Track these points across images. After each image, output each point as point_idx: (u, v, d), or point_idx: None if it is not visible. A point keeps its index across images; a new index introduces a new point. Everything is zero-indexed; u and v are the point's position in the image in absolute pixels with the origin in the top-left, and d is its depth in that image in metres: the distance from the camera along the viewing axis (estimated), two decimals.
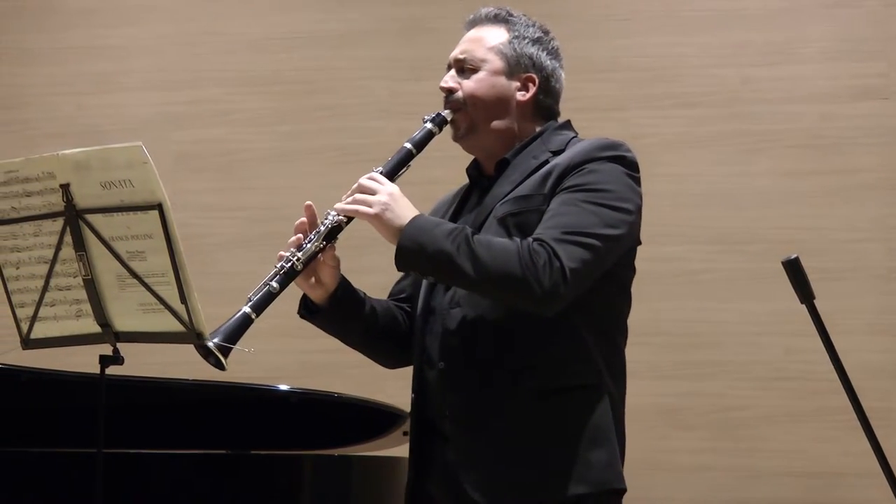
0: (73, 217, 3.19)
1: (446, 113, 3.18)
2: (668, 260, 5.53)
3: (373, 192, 2.99)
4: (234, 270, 6.10)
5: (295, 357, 5.90)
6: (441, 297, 3.11)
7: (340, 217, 3.04)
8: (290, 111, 6.20)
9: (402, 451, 4.52)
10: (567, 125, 3.21)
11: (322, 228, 3.03)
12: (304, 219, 3.12)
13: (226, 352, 2.91)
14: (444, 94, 3.20)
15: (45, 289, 3.29)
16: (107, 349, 3.32)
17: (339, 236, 3.06)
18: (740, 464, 5.47)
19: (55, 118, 6.40)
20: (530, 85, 3.17)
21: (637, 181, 3.03)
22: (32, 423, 4.09)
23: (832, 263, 5.49)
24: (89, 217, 3.18)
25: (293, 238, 3.08)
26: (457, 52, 3.21)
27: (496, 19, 3.23)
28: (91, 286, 3.24)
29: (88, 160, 3.16)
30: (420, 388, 3.13)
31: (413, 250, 2.91)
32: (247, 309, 3.01)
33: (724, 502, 5.47)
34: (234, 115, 6.26)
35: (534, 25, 3.24)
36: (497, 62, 3.16)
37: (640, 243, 3.09)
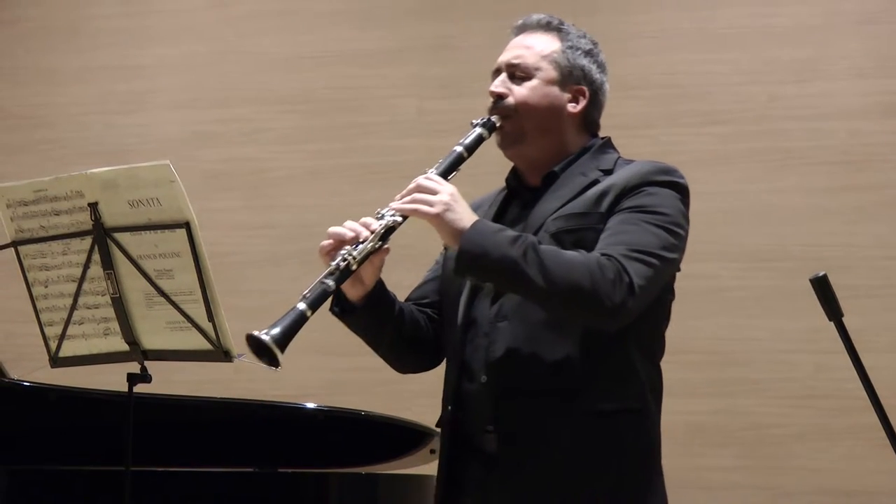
0: (102, 235, 3.20)
1: (495, 118, 3.10)
2: (699, 277, 5.50)
3: (433, 192, 2.88)
4: (262, 289, 6.10)
5: (322, 375, 5.90)
6: (485, 308, 3.01)
7: (397, 217, 2.92)
8: (319, 129, 6.21)
9: (429, 469, 4.52)
10: (610, 143, 3.16)
11: (378, 227, 2.90)
12: (353, 225, 2.97)
13: (282, 347, 2.79)
14: (492, 99, 3.13)
15: (73, 307, 3.30)
16: (135, 367, 3.33)
17: (390, 237, 2.94)
18: (771, 482, 5.44)
19: (84, 137, 6.42)
20: (580, 97, 3.11)
21: (687, 208, 3.00)
22: (61, 441, 4.10)
23: (862, 281, 5.46)
24: (117, 235, 3.19)
25: (339, 230, 2.98)
26: (509, 57, 3.14)
27: (548, 27, 3.16)
28: (119, 304, 3.25)
29: (116, 179, 3.17)
30: (457, 402, 3.02)
31: (476, 254, 2.79)
32: (301, 305, 2.88)
33: None
34: (263, 133, 6.27)
35: (585, 37, 3.17)
36: (551, 71, 3.09)
37: (679, 270, 3.04)
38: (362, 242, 2.90)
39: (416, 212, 2.87)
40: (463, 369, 3.02)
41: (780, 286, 5.39)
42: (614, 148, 3.16)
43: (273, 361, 2.78)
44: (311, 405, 4.43)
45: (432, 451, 4.46)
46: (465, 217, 2.85)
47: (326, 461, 4.36)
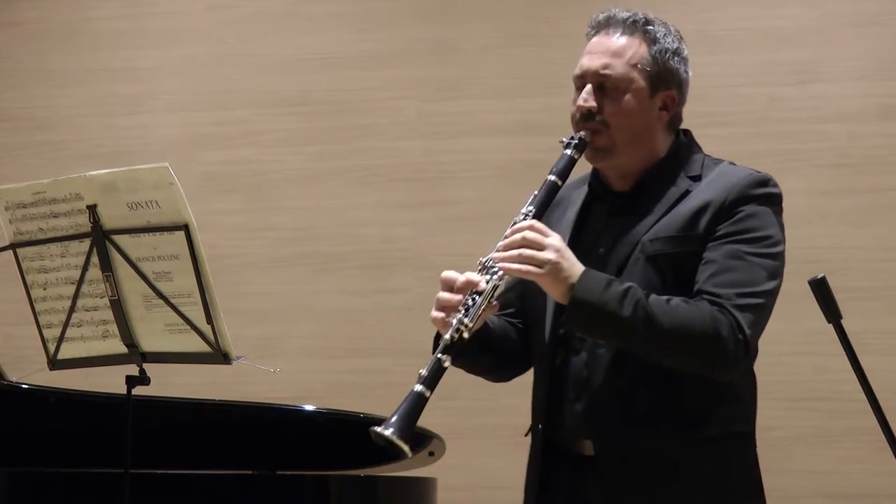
0: (100, 238, 3.21)
1: (585, 135, 2.91)
2: None
3: (540, 247, 2.75)
4: (262, 291, 6.11)
5: (322, 377, 5.90)
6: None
7: (503, 275, 2.80)
8: (319, 131, 6.21)
9: (428, 471, 4.52)
10: (692, 140, 3.03)
11: (487, 287, 2.76)
12: (462, 280, 2.80)
13: (407, 439, 2.65)
14: (578, 113, 2.94)
15: (72, 309, 3.31)
16: (133, 369, 3.33)
17: (497, 292, 2.82)
18: (769, 484, 5.37)
19: (83, 140, 6.41)
20: (670, 103, 2.96)
21: (781, 214, 2.95)
22: (60, 443, 4.09)
23: (861, 283, 5.46)
24: (116, 238, 3.20)
25: (448, 297, 2.80)
26: (596, 66, 2.93)
27: (634, 26, 2.95)
28: (118, 307, 3.26)
29: (115, 181, 3.18)
30: (548, 418, 2.95)
31: (586, 315, 2.74)
32: (418, 387, 2.69)
33: None
34: (263, 135, 6.27)
35: (670, 33, 2.99)
36: (641, 81, 2.92)
37: None
38: (472, 306, 2.76)
39: (525, 273, 2.76)
40: (553, 386, 2.94)
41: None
42: (696, 143, 3.04)
43: (402, 453, 2.68)
44: (310, 407, 4.43)
45: (431, 454, 4.46)
46: (573, 272, 2.75)
47: (325, 463, 4.36)
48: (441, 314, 2.79)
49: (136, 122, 6.39)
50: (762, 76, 5.74)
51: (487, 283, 2.77)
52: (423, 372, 2.71)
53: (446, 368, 2.73)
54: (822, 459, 5.44)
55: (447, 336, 2.74)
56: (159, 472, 3.97)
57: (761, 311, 2.80)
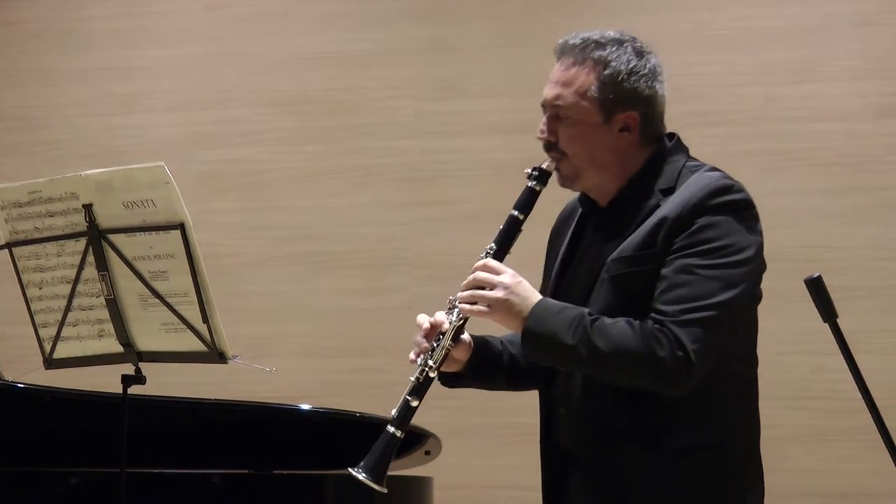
0: (96, 237, 3.21)
1: (547, 165, 3.00)
2: None
3: (490, 286, 2.88)
4: (260, 290, 6.11)
5: (317, 377, 5.90)
6: None
7: (461, 316, 2.94)
8: (317, 131, 6.21)
9: (424, 470, 4.53)
10: (676, 145, 3.04)
11: (448, 327, 2.93)
12: (427, 325, 2.98)
13: (380, 479, 2.91)
14: (542, 142, 3.03)
15: (67, 308, 3.31)
16: (129, 369, 3.33)
17: (465, 328, 2.97)
18: (766, 484, 5.43)
19: (81, 139, 6.42)
20: (630, 123, 2.95)
21: (753, 218, 2.94)
22: (56, 443, 4.09)
23: (857, 282, 5.46)
24: (112, 237, 3.20)
25: (420, 340, 2.97)
26: (550, 96, 3.00)
27: (585, 52, 2.98)
28: (113, 306, 3.26)
29: (111, 180, 3.17)
30: (548, 429, 3.06)
31: (536, 346, 2.86)
32: (390, 428, 2.89)
33: None
34: (261, 135, 6.27)
35: (626, 53, 2.97)
36: (591, 111, 2.94)
37: (765, 269, 2.98)
38: (435, 347, 2.93)
39: (476, 313, 2.90)
40: (548, 401, 3.05)
41: (775, 287, 5.33)
42: (681, 147, 3.05)
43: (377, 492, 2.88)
44: (306, 407, 4.43)
45: (427, 453, 4.46)
46: (525, 306, 2.86)
47: (322, 463, 4.36)
48: (413, 354, 2.96)
49: (133, 121, 6.39)
50: (759, 75, 5.75)
51: (450, 324, 2.92)
52: (394, 412, 2.90)
53: (415, 408, 2.90)
54: (819, 458, 5.44)
55: (413, 378, 2.90)
56: (155, 471, 3.97)
57: (709, 324, 2.80)
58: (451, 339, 2.92)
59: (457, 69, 6.08)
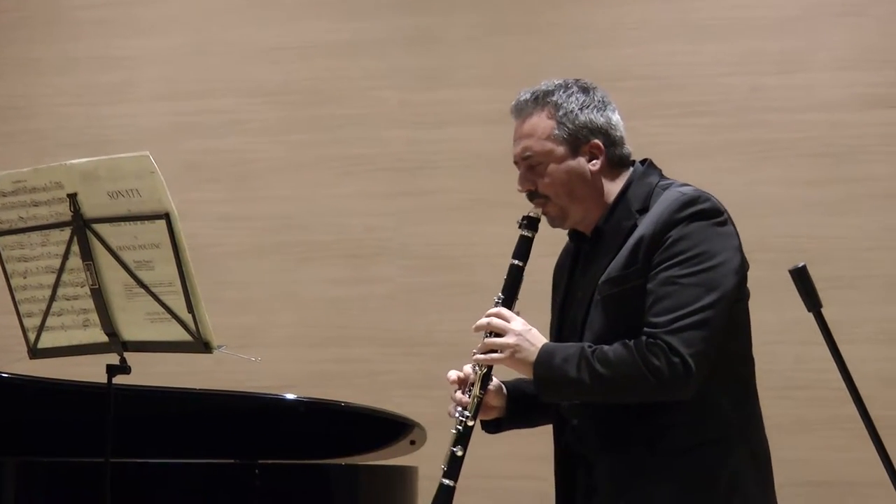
0: (81, 227, 3.20)
1: (535, 213, 3.23)
2: None
3: (502, 333, 3.12)
4: (245, 280, 6.11)
5: (304, 366, 5.90)
6: None
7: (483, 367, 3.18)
8: (301, 121, 6.20)
9: (408, 460, 4.53)
10: (648, 168, 3.26)
11: (475, 378, 3.16)
12: (457, 377, 3.22)
13: None
14: (524, 194, 3.25)
15: (52, 298, 3.30)
16: (114, 358, 3.32)
17: (491, 375, 3.20)
18: None
19: (65, 128, 6.40)
20: (596, 152, 3.20)
21: (724, 223, 3.11)
22: (40, 433, 4.09)
23: (842, 272, 5.47)
24: (96, 227, 3.19)
25: (457, 396, 3.20)
26: (518, 151, 3.24)
27: (536, 102, 3.24)
28: (98, 295, 3.25)
29: (96, 170, 3.17)
30: (560, 435, 3.25)
31: (549, 386, 3.09)
32: (445, 481, 3.14)
33: None
34: (245, 124, 6.26)
35: (573, 93, 3.24)
36: (559, 149, 3.19)
37: (748, 267, 3.18)
38: (469, 399, 3.17)
39: (490, 361, 3.14)
40: (561, 412, 3.24)
41: (760, 277, 5.34)
42: (652, 168, 3.26)
43: None
44: (291, 396, 4.44)
45: (412, 443, 4.47)
46: (532, 351, 3.09)
47: (307, 452, 4.36)
48: (451, 410, 3.19)
49: (118, 110, 6.38)
50: (744, 66, 5.75)
51: (476, 374, 3.17)
52: (444, 466, 3.13)
53: (462, 457, 3.14)
54: (803, 448, 5.45)
55: (453, 430, 3.14)
56: (140, 461, 3.96)
57: (700, 328, 3.01)
58: (480, 389, 3.15)
59: (442, 59, 6.07)
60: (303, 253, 6.09)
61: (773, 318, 5.24)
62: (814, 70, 5.68)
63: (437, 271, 5.91)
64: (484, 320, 3.15)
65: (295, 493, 4.05)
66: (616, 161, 3.23)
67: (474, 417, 3.15)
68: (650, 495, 3.05)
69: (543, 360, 3.07)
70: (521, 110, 3.26)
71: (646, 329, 3.02)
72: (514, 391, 3.28)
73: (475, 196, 5.86)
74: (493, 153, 5.88)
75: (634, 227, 3.13)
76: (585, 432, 3.16)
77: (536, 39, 5.93)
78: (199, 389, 4.36)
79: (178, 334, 3.21)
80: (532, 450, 3.32)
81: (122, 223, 3.17)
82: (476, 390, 3.14)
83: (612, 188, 3.22)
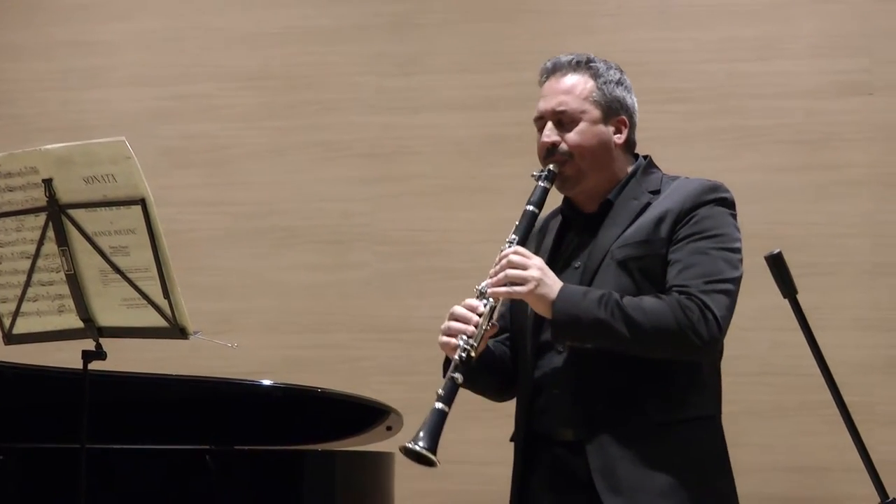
0: (56, 212, 3.19)
1: (554, 167, 3.25)
2: None
3: (523, 268, 3.09)
4: (221, 266, 6.10)
5: (279, 352, 5.89)
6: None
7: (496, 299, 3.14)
8: (278, 106, 6.19)
9: (385, 446, 4.53)
10: (651, 163, 3.35)
11: (485, 309, 3.11)
12: (461, 310, 3.15)
13: (434, 451, 3.02)
14: (544, 148, 3.27)
15: (27, 284, 3.29)
16: (90, 344, 3.32)
17: (495, 313, 3.14)
18: None
19: (42, 113, 6.38)
20: (623, 127, 3.29)
21: (736, 218, 3.24)
22: (15, 419, 4.07)
23: (818, 259, 5.49)
24: (72, 212, 3.18)
25: (456, 325, 3.12)
26: (552, 105, 3.27)
27: (579, 66, 3.30)
28: (74, 281, 3.24)
29: (71, 155, 3.16)
30: (530, 418, 3.24)
31: (569, 323, 3.06)
32: (438, 405, 3.06)
33: None
34: (223, 110, 6.25)
35: (613, 67, 3.33)
36: (594, 111, 3.26)
37: None
38: (475, 327, 3.10)
39: (510, 294, 3.11)
40: (535, 388, 3.23)
41: None
42: (655, 166, 3.36)
43: (431, 463, 3.02)
44: (267, 382, 4.43)
45: (388, 429, 4.47)
46: (553, 289, 3.08)
47: (283, 438, 4.36)
48: (449, 339, 3.11)
49: (94, 95, 6.35)
50: (722, 52, 5.75)
51: (485, 306, 3.11)
52: (441, 391, 3.05)
53: (460, 385, 3.08)
54: (778, 433, 5.47)
55: (456, 356, 3.08)
56: (116, 447, 3.96)
57: (728, 296, 3.10)
58: (489, 321, 3.10)
59: (419, 45, 6.06)
60: (279, 239, 6.09)
61: (748, 303, 5.21)
62: (791, 57, 5.69)
63: (414, 257, 5.91)
64: (504, 260, 3.11)
65: (271, 479, 4.05)
66: (631, 145, 3.33)
67: (477, 349, 3.11)
68: (659, 457, 3.08)
69: (566, 296, 3.06)
70: (559, 69, 3.31)
71: (676, 286, 3.07)
72: (488, 349, 3.26)
73: (452, 182, 5.86)
74: (471, 138, 5.89)
75: (647, 205, 3.21)
76: (562, 403, 3.16)
77: (514, 26, 5.93)
78: (176, 375, 4.36)
79: (154, 320, 3.21)
80: (510, 435, 3.31)
81: (98, 209, 3.16)
82: (485, 321, 3.10)
83: (623, 168, 3.30)
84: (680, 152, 5.60)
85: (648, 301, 3.06)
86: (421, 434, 3.01)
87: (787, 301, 2.82)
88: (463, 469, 5.51)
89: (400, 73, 6.05)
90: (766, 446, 5.50)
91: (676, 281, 3.08)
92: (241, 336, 5.65)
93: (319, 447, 4.46)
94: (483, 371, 3.23)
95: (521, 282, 3.08)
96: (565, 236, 3.33)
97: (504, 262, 3.11)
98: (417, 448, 2.98)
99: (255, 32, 6.24)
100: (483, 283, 3.14)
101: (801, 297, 2.80)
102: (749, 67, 5.72)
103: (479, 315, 3.10)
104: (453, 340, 3.10)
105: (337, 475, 4.34)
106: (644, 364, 3.09)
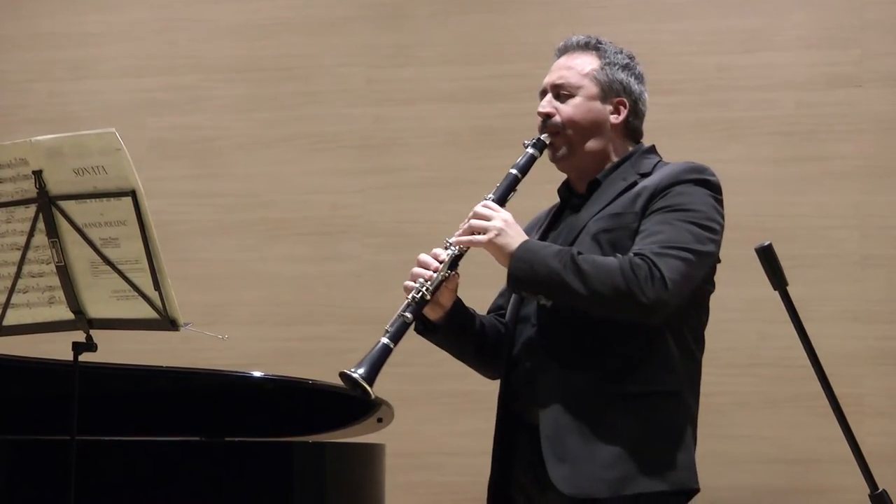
0: (46, 203, 3.19)
1: (545, 137, 3.34)
2: None
3: (487, 219, 3.19)
4: (210, 258, 6.09)
5: (270, 344, 5.89)
6: (532, 306, 3.29)
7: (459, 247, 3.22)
8: (267, 98, 6.18)
9: (376, 437, 4.54)
10: (653, 150, 3.42)
11: (446, 258, 3.21)
12: (424, 257, 3.25)
13: (371, 381, 3.09)
14: (540, 119, 3.36)
15: (17, 276, 3.29)
16: (80, 336, 3.32)
17: (459, 263, 3.24)
18: (714, 450, 5.46)
19: (30, 104, 6.36)
20: (622, 108, 3.37)
21: (720, 203, 3.27)
22: (5, 411, 4.07)
23: (806, 250, 5.50)
24: (62, 203, 3.18)
25: (418, 270, 3.22)
26: (553, 78, 3.38)
27: (587, 47, 3.41)
28: (64, 273, 3.24)
29: (61, 146, 3.16)
30: (508, 392, 3.32)
31: (525, 272, 3.13)
32: (385, 340, 3.13)
33: None
34: (211, 101, 6.24)
35: (622, 52, 3.44)
36: (592, 87, 3.36)
37: (719, 261, 3.28)
38: (434, 272, 3.20)
39: (470, 242, 3.20)
40: (510, 361, 3.31)
41: (725, 255, 5.39)
42: (657, 153, 3.42)
43: (366, 393, 3.09)
44: (258, 374, 4.43)
45: (379, 420, 4.48)
46: (515, 240, 3.17)
47: (274, 430, 4.37)
48: (410, 283, 3.20)
49: (82, 87, 6.34)
50: (710, 44, 5.76)
51: (447, 255, 3.20)
52: (389, 328, 3.13)
53: (409, 325, 3.16)
54: (767, 425, 5.48)
55: (409, 296, 3.17)
56: (106, 439, 3.96)
57: (684, 262, 3.12)
58: (448, 268, 3.20)
59: (409, 36, 6.06)
60: (269, 231, 6.08)
61: (738, 295, 5.27)
62: (778, 49, 5.70)
63: (403, 249, 5.90)
64: (471, 213, 3.21)
65: (261, 471, 4.05)
66: (631, 130, 3.40)
67: (432, 293, 3.19)
68: (595, 436, 3.12)
69: (526, 246, 3.14)
70: (569, 49, 3.43)
71: (635, 251, 3.12)
72: (461, 307, 3.35)
73: (441, 174, 5.86)
74: (461, 130, 5.89)
75: (633, 185, 3.27)
76: (530, 380, 3.21)
77: (503, 17, 5.93)
78: (166, 367, 4.36)
79: (145, 312, 3.21)
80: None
81: (88, 200, 3.16)
82: (444, 268, 3.19)
83: (619, 150, 3.38)
84: (668, 144, 5.54)
85: (602, 258, 3.12)
86: (362, 363, 3.07)
87: (775, 293, 2.83)
88: (452, 461, 5.52)
89: (389, 64, 6.05)
90: (756, 438, 5.51)
91: (636, 248, 3.14)
92: (230, 328, 5.65)
93: (310, 439, 4.47)
94: (457, 330, 3.34)
95: (482, 231, 3.17)
96: (561, 217, 3.41)
97: (470, 213, 3.21)
98: (356, 376, 3.05)
99: (243, 24, 6.23)
100: (452, 237, 3.23)
101: (789, 289, 2.81)
102: (737, 59, 5.73)
103: (441, 262, 3.19)
104: (412, 284, 3.19)
105: (327, 466, 4.34)
106: (612, 338, 3.15)
